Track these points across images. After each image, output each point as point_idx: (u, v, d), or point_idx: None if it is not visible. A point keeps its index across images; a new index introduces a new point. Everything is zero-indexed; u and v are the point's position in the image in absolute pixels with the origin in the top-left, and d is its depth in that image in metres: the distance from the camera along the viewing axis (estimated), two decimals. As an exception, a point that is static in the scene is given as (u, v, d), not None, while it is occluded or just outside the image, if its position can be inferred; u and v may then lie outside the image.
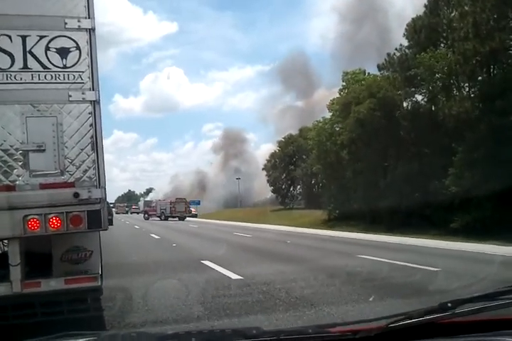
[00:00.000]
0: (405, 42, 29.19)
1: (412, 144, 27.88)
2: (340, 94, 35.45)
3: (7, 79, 4.29)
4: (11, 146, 4.29)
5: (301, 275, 8.95)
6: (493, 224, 19.40)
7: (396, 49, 29.66)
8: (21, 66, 4.33)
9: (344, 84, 35.39)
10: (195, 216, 57.55)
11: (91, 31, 4.50)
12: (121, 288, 6.62)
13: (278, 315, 5.78)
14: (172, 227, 33.03)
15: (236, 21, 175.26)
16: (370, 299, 6.59)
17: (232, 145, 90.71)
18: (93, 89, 4.48)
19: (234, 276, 8.72)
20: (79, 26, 4.46)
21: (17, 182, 4.29)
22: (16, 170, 4.30)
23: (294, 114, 74.11)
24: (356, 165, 30.13)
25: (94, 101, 4.48)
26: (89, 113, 4.46)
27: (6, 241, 4.80)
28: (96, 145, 4.45)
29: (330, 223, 33.52)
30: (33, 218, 4.21)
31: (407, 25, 29.02)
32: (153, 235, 22.75)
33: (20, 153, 4.30)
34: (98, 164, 4.46)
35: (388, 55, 30.11)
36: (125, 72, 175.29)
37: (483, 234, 18.31)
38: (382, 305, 6.21)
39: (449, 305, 1.69)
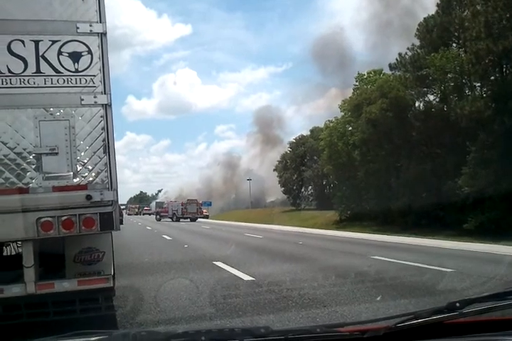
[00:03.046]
0: (417, 42, 29.08)
1: (424, 144, 27.75)
2: (353, 93, 35.34)
3: (20, 83, 4.36)
4: (25, 149, 4.36)
5: (314, 276, 8.90)
6: (508, 224, 19.25)
7: (408, 48, 29.56)
8: (34, 70, 4.40)
9: (357, 84, 35.33)
10: (206, 217, 57.71)
11: (102, 35, 4.55)
12: (134, 290, 6.64)
13: (290, 316, 5.76)
14: (184, 228, 33.09)
15: (247, 22, 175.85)
16: (378, 298, 6.57)
17: (268, 128, 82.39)
18: (105, 93, 4.54)
19: (246, 277, 8.70)
20: (90, 30, 4.52)
21: (30, 185, 4.36)
22: (29, 173, 4.37)
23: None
24: (368, 166, 30.01)
25: (106, 104, 4.54)
26: (101, 116, 4.52)
27: (19, 242, 4.89)
28: (108, 148, 4.52)
29: (342, 224, 33.45)
30: (47, 220, 4.27)
31: (419, 25, 28.89)
32: (165, 236, 22.79)
33: (33, 156, 4.38)
34: (110, 167, 4.52)
35: (400, 54, 30.00)
36: (138, 74, 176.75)
37: (497, 235, 18.18)
38: (394, 305, 6.18)
39: (457, 304, 1.68)
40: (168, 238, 21.84)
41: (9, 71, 4.33)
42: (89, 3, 4.53)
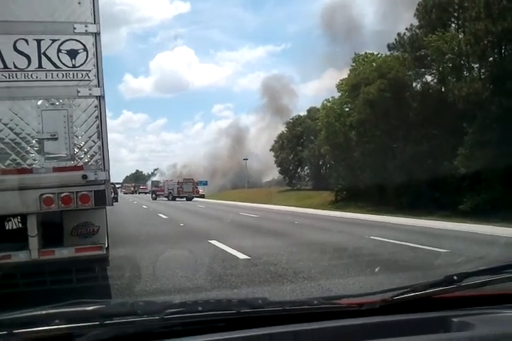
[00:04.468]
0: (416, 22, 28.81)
1: (421, 125, 27.71)
2: (350, 74, 35.09)
3: (25, 77, 4.96)
4: (28, 135, 4.99)
5: (309, 255, 8.97)
6: (503, 205, 19.33)
7: (406, 29, 29.36)
8: (37, 66, 4.98)
9: (354, 65, 35.09)
10: (202, 196, 57.76)
11: (96, 35, 5.14)
12: (129, 267, 6.66)
13: (285, 294, 5.82)
14: (179, 207, 33.12)
15: (246, 0, 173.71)
16: (376, 270, 6.63)
17: (276, 99, 79.60)
18: (99, 86, 5.15)
19: (241, 256, 8.77)
20: (86, 31, 5.10)
21: (34, 166, 5.00)
22: (32, 155, 5.00)
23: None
24: (364, 147, 30.03)
25: (99, 96, 5.16)
26: (96, 106, 5.14)
27: (19, 218, 5.69)
28: (101, 134, 5.15)
29: (338, 204, 33.64)
30: (48, 196, 4.91)
31: (418, 5, 28.63)
32: (161, 215, 22.77)
33: (36, 141, 5.01)
34: (103, 150, 5.16)
35: (398, 34, 29.80)
36: (135, 52, 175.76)
37: (492, 216, 18.26)
38: (388, 283, 6.21)
39: (455, 278, 1.67)
40: (164, 217, 21.90)
41: (15, 66, 4.91)
42: (85, 6, 5.09)
